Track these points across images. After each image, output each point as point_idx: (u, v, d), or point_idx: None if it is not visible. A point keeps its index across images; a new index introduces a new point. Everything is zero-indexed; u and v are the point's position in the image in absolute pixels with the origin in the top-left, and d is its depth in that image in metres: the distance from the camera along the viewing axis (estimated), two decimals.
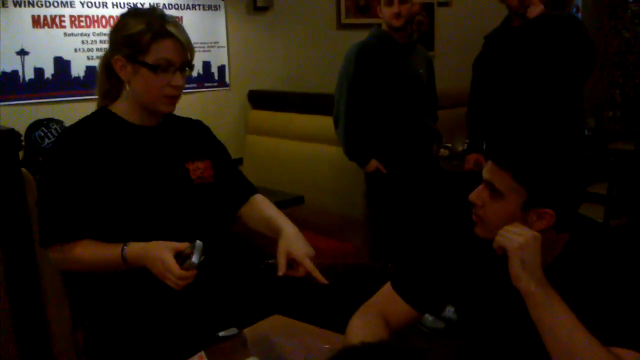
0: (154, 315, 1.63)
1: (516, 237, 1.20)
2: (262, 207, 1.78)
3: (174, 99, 1.60)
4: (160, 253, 1.43)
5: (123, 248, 1.49)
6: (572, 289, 1.24)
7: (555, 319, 1.17)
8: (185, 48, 1.55)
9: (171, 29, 1.52)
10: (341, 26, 4.47)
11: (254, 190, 1.84)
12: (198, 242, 1.41)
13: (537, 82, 2.99)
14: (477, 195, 1.31)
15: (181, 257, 1.43)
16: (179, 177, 1.65)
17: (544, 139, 1.26)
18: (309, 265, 1.51)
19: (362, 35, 3.35)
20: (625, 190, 3.47)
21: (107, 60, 1.60)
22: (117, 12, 3.40)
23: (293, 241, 1.57)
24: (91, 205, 1.52)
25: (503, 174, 1.25)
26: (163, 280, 1.44)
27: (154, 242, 1.48)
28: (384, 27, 3.22)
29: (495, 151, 1.28)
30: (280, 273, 1.52)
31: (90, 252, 1.53)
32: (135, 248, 1.49)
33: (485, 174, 1.29)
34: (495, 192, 1.27)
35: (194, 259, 1.39)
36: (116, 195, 1.54)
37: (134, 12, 1.58)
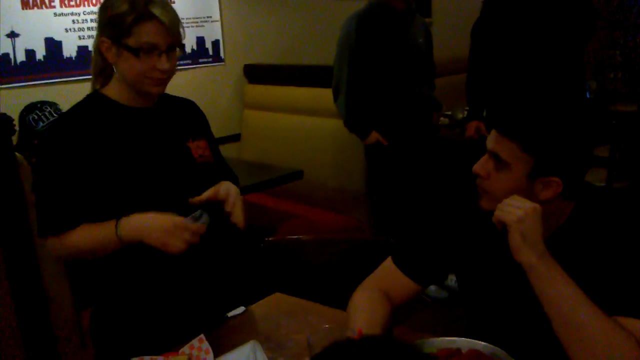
0: (160, 298, 1.61)
1: (515, 210, 1.17)
2: None
3: (162, 80, 1.55)
4: (162, 220, 1.43)
5: (117, 225, 1.45)
6: (577, 258, 1.21)
7: (557, 291, 1.15)
8: (170, 31, 1.49)
9: (155, 10, 1.46)
10: None
11: (237, 181, 1.82)
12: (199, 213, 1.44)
13: (538, 46, 2.94)
14: (482, 166, 1.27)
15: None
16: (182, 156, 1.62)
17: (550, 105, 1.23)
18: (232, 200, 1.54)
19: (358, 5, 3.28)
20: (628, 153, 3.43)
21: (96, 40, 1.55)
22: None
23: (226, 184, 1.59)
24: (91, 192, 1.49)
25: (509, 144, 1.21)
26: (164, 248, 1.42)
27: (148, 214, 1.46)
28: None
29: (501, 121, 1.24)
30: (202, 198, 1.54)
31: (85, 236, 1.50)
32: (128, 221, 1.46)
33: (490, 144, 1.25)
34: (501, 162, 1.23)
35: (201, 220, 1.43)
36: (119, 179, 1.51)
37: None
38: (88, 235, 1.50)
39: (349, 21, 3.13)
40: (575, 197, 1.28)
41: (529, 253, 1.16)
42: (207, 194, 1.53)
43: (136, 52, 1.47)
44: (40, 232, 1.53)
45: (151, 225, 1.44)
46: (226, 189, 1.56)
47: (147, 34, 1.47)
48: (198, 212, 1.44)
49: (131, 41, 1.47)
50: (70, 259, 1.58)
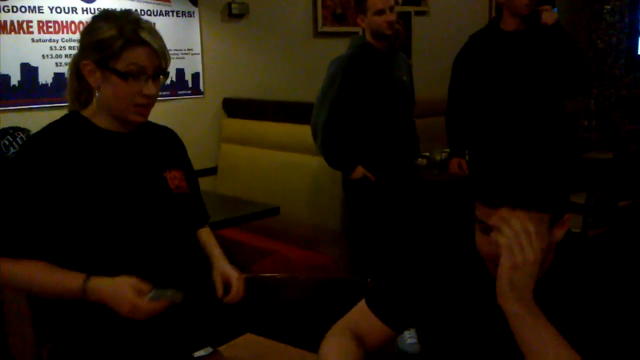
0: (124, 337, 1.54)
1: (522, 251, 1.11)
2: (201, 232, 1.81)
3: (145, 108, 1.52)
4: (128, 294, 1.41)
5: (85, 281, 1.41)
6: (559, 306, 1.19)
7: (542, 341, 1.11)
8: (159, 55, 1.48)
9: (145, 35, 1.45)
10: (317, 34, 4.43)
11: (208, 218, 1.85)
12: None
13: (526, 90, 2.97)
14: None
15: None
16: (158, 186, 1.59)
17: (543, 159, 1.19)
18: (237, 288, 1.65)
19: (338, 44, 3.30)
20: (603, 200, 3.46)
21: (76, 63, 1.52)
22: (87, 17, 3.28)
23: (225, 265, 1.69)
24: (60, 218, 1.44)
25: (523, 214, 1.15)
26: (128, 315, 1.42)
27: (117, 284, 1.42)
28: (367, 36, 3.14)
29: (507, 196, 1.16)
30: (219, 295, 1.64)
31: (43, 274, 1.44)
32: (97, 287, 1.42)
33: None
34: None
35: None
36: (91, 206, 1.45)
37: (106, 15, 1.50)
38: (46, 276, 1.43)
39: (335, 67, 3.06)
40: None
41: (514, 301, 1.12)
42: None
43: (125, 76, 1.45)
44: None
45: (118, 296, 1.41)
46: (237, 279, 1.65)
47: (136, 57, 1.45)
48: (164, 291, 1.44)
49: (119, 65, 1.44)
50: (10, 289, 1.51)
